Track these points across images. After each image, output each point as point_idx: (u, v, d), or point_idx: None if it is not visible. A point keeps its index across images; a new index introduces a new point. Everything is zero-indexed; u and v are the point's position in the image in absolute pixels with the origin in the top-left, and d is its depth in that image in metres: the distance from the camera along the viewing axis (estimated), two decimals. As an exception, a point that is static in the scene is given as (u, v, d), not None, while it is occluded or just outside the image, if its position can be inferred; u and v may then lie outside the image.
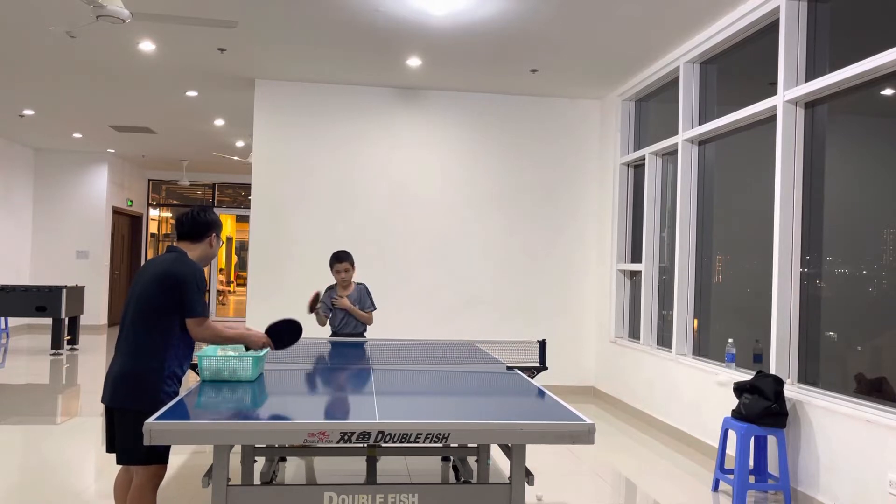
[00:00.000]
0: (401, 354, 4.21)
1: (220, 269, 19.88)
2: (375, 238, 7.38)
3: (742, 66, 5.30)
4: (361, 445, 3.56)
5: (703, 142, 5.74)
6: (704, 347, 5.63)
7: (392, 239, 7.40)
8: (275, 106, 7.29)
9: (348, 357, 4.01)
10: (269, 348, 3.16)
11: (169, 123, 9.68)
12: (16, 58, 6.68)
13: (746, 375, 4.75)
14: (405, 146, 7.45)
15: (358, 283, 5.06)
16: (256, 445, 3.88)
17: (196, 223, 3.08)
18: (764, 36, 4.93)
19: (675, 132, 6.06)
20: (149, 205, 14.80)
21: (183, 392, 2.85)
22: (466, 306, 7.48)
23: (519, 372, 3.66)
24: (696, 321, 5.73)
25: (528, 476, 2.85)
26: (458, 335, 7.40)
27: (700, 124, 5.70)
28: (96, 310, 12.59)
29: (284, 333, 3.16)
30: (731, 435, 4.84)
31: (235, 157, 11.65)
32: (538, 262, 7.59)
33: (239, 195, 14.95)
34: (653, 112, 6.76)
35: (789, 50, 4.51)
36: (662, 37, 5.66)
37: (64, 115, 9.40)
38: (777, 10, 4.63)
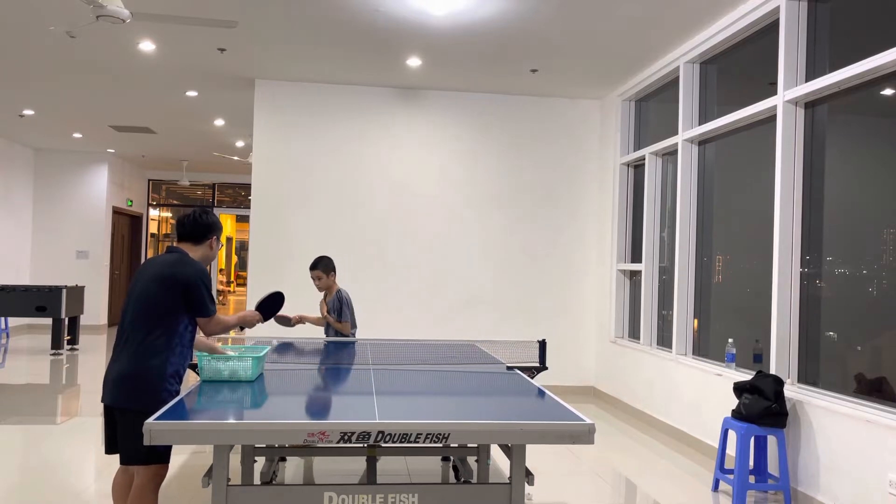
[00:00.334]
0: (401, 354, 4.21)
1: (221, 269, 19.88)
2: (375, 238, 7.38)
3: (742, 66, 5.30)
4: (361, 445, 3.57)
5: (703, 142, 5.74)
6: (704, 347, 5.63)
7: (392, 239, 7.40)
8: (275, 106, 7.29)
9: (348, 357, 4.01)
10: (262, 323, 3.41)
11: (169, 123, 9.68)
12: (16, 58, 6.68)
13: (746, 375, 4.75)
14: (405, 146, 7.45)
15: (339, 290, 4.91)
16: (256, 445, 3.88)
17: (197, 225, 3.10)
18: (764, 36, 4.93)
19: (675, 132, 6.06)
20: (149, 205, 14.80)
21: (183, 392, 2.85)
22: (466, 306, 7.48)
23: (519, 372, 3.66)
24: (696, 321, 5.73)
25: (528, 476, 2.86)
26: (458, 335, 7.40)
27: (700, 124, 5.70)
28: (96, 310, 12.59)
29: (269, 304, 3.41)
30: (731, 435, 4.84)
31: (235, 157, 11.65)
32: (538, 262, 7.59)
33: (239, 195, 14.95)
34: (653, 112, 6.76)
35: (789, 50, 4.51)
36: (662, 37, 5.66)
37: (64, 115, 9.40)
38: (777, 10, 4.63)
